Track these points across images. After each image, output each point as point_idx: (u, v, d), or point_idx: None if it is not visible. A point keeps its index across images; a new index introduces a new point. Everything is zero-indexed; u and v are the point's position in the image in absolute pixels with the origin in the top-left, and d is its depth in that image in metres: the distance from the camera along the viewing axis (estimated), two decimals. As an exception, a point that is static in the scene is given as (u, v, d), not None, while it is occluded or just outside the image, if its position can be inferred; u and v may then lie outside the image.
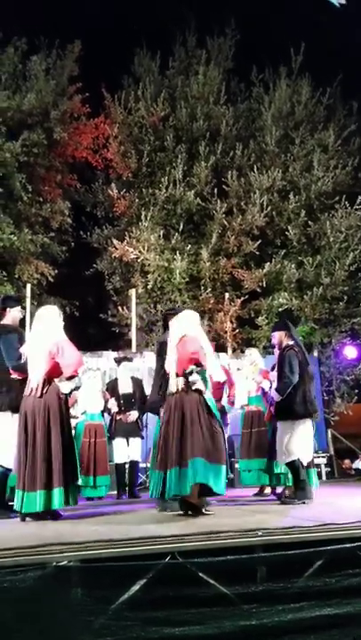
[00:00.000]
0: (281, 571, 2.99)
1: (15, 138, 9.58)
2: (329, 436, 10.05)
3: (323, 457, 9.39)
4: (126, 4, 11.51)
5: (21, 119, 9.89)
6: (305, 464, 5.15)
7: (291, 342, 5.29)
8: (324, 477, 9.19)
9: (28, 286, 9.00)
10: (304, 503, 4.90)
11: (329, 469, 9.51)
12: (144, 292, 10.45)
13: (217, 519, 4.03)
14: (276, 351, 5.38)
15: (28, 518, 4.36)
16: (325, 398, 10.70)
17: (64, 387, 4.55)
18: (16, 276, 9.71)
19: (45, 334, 4.53)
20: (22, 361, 4.58)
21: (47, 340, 4.47)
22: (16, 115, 9.79)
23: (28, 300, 8.90)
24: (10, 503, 4.73)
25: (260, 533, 3.13)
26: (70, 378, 4.56)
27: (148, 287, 10.37)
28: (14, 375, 4.64)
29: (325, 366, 11.11)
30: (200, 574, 2.82)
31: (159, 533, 3.20)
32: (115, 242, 10.46)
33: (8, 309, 4.98)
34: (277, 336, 5.45)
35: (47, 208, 10.27)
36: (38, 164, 10.24)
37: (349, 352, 11.05)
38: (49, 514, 4.37)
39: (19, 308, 5.10)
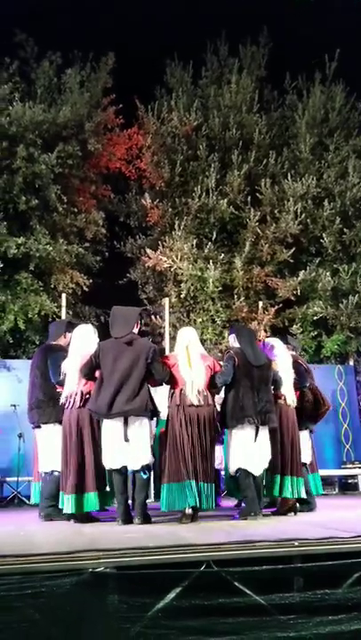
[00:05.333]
0: (318, 582, 2.94)
1: (50, 150, 9.73)
2: (367, 445, 9.87)
3: (360, 467, 9.23)
4: (157, 16, 11.62)
5: (57, 132, 10.05)
6: (256, 473, 4.94)
7: (236, 345, 5.21)
8: (362, 488, 9.04)
9: (64, 296, 9.10)
10: (246, 519, 4.70)
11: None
12: (177, 301, 10.46)
13: (253, 528, 3.99)
14: None
15: (72, 520, 4.83)
16: (363, 408, 10.52)
17: None
18: (52, 286, 9.83)
19: (80, 351, 5.03)
20: (62, 377, 5.11)
21: (82, 357, 4.96)
22: (51, 127, 9.95)
23: (63, 310, 9.00)
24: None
25: (296, 543, 3.09)
26: None
27: (182, 296, 10.38)
28: (60, 389, 5.18)
29: (362, 375, 10.93)
30: (236, 584, 2.79)
31: (194, 541, 3.18)
32: (148, 251, 10.50)
33: (67, 333, 5.59)
34: (230, 340, 5.47)
35: (82, 218, 10.39)
36: (73, 176, 10.37)
37: (386, 361, 10.86)
38: (85, 516, 4.79)
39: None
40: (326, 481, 8.66)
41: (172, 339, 9.96)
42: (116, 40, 11.17)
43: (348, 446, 9.62)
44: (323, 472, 8.52)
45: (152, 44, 11.41)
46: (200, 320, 10.27)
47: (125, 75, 11.06)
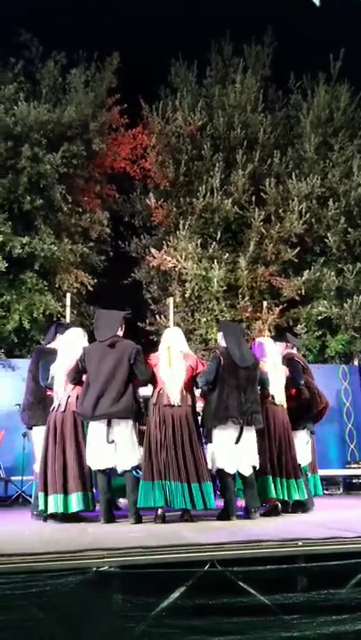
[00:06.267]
0: (322, 582, 2.95)
1: (55, 150, 9.75)
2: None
3: (365, 468, 9.21)
4: (162, 16, 11.63)
5: (61, 131, 10.07)
6: (245, 473, 4.89)
7: (223, 344, 5.18)
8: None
9: (68, 295, 9.12)
10: (224, 520, 4.67)
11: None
12: (182, 300, 10.47)
13: (258, 528, 3.99)
14: None
15: (50, 520, 4.89)
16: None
17: None
18: (56, 286, 9.86)
19: (69, 355, 5.11)
20: (50, 380, 5.23)
21: (70, 361, 5.05)
22: (56, 127, 9.97)
23: (67, 310, 9.02)
24: None
25: (300, 543, 3.09)
26: None
27: (186, 296, 10.39)
28: (50, 392, 5.31)
29: (367, 375, 10.90)
30: (240, 583, 2.80)
31: (198, 541, 3.19)
32: (152, 251, 10.52)
33: (58, 335, 5.68)
34: (218, 338, 5.45)
35: (86, 218, 10.41)
36: (78, 176, 10.39)
37: (391, 360, 10.83)
38: (70, 516, 4.85)
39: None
40: (331, 481, 8.65)
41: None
42: (121, 40, 11.19)
43: (352, 446, 9.60)
44: (327, 472, 8.54)
45: (156, 44, 11.42)
46: (205, 320, 10.28)
47: (130, 74, 11.07)
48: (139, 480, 4.76)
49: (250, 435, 4.93)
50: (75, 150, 9.95)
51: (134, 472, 4.75)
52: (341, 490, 8.88)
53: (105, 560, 2.74)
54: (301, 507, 5.42)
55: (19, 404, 7.60)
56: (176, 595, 2.71)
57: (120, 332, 5.05)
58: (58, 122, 9.95)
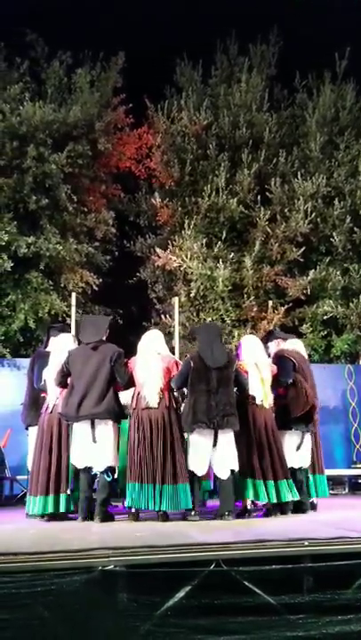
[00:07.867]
0: (328, 582, 2.94)
1: (61, 149, 9.76)
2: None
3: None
4: (167, 15, 11.63)
5: (67, 131, 10.08)
6: (222, 477, 4.85)
7: (197, 348, 5.15)
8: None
9: (74, 295, 9.13)
10: (192, 520, 4.65)
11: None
12: (187, 300, 10.46)
13: (263, 528, 3.99)
14: None
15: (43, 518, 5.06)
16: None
17: None
18: (62, 285, 9.87)
19: (58, 359, 5.21)
20: (42, 383, 5.43)
21: (57, 365, 5.17)
22: (62, 127, 9.98)
23: (73, 309, 9.03)
24: None
25: (306, 543, 3.09)
26: None
27: (191, 295, 10.38)
28: (44, 394, 5.47)
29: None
30: (245, 583, 2.80)
31: (204, 540, 3.19)
32: (158, 250, 10.52)
33: (52, 337, 5.83)
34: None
35: (92, 218, 10.42)
36: (83, 175, 10.40)
37: None
38: (60, 516, 5.04)
39: (61, 334, 5.80)
40: (336, 481, 8.63)
41: (182, 338, 9.98)
42: (126, 39, 11.19)
43: (358, 446, 9.58)
44: (333, 472, 8.51)
45: (162, 44, 11.42)
46: (210, 319, 10.27)
47: (135, 74, 11.08)
48: (109, 482, 4.85)
49: (227, 438, 4.87)
50: (80, 150, 9.96)
51: (106, 475, 4.83)
52: (347, 490, 8.85)
53: (110, 559, 2.74)
54: (301, 507, 5.26)
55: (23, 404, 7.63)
56: (181, 594, 2.71)
57: (104, 337, 5.17)
58: (63, 122, 9.96)
